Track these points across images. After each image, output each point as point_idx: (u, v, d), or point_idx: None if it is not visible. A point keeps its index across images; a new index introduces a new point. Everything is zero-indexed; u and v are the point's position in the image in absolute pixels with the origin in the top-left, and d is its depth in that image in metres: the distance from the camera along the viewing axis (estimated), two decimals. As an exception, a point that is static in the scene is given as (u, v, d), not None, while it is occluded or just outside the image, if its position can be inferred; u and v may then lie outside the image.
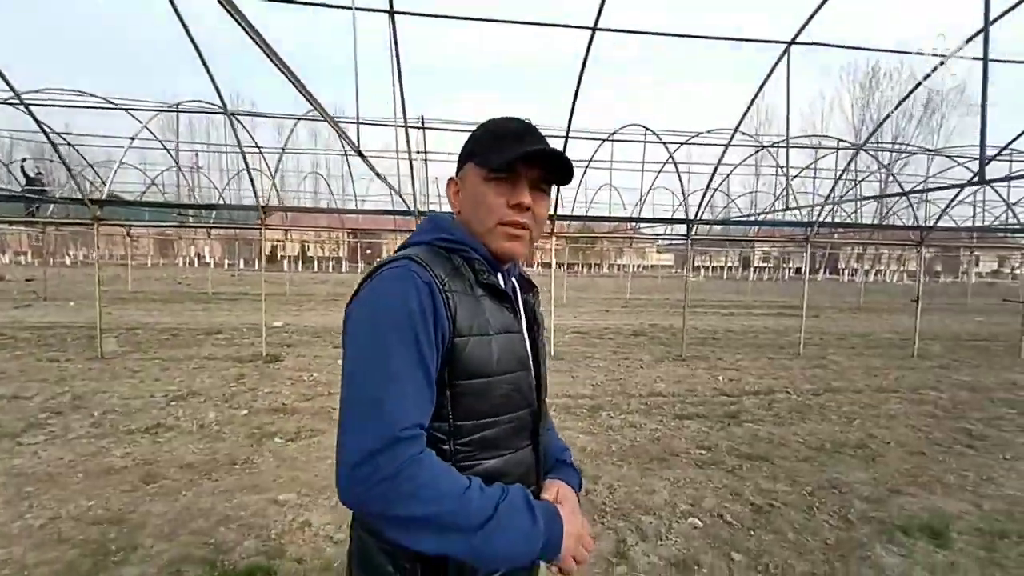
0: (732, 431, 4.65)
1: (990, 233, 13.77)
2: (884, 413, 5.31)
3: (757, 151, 12.27)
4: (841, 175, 8.69)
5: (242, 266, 35.30)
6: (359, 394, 0.74)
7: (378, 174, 4.85)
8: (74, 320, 10.30)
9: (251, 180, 7.02)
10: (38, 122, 6.45)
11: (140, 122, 9.54)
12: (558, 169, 0.89)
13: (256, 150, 9.74)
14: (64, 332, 8.86)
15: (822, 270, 47.66)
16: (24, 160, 14.90)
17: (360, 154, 4.06)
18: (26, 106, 6.05)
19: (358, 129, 3.92)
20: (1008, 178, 3.88)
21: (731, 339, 10.34)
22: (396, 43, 5.38)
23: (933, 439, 4.55)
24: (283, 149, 9.14)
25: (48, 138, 6.61)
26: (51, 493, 3.08)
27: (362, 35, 3.55)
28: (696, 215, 7.83)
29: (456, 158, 0.96)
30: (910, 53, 5.80)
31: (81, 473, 3.37)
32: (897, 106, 6.91)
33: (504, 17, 5.35)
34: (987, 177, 3.69)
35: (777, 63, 5.92)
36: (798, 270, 52.34)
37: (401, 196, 7.48)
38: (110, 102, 9.83)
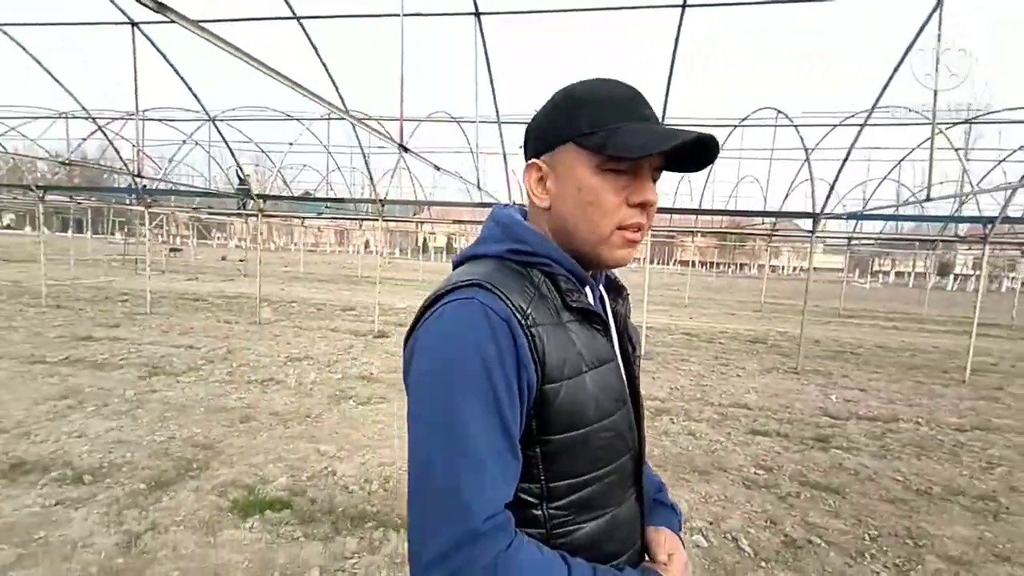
0: (811, 455, 4.04)
1: None
2: (1053, 465, 4.08)
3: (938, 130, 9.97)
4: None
5: (397, 255, 39.78)
6: (428, 480, 0.58)
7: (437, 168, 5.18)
8: (256, 293, 12.81)
9: (371, 178, 7.96)
10: (249, 137, 8.18)
11: (311, 132, 11.42)
12: (696, 159, 0.69)
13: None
14: (245, 301, 11.10)
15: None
16: (233, 167, 18.96)
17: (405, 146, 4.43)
18: (214, 122, 7.73)
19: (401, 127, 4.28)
20: None
21: (876, 356, 8.73)
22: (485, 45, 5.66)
23: (1114, 507, 3.39)
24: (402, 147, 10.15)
25: (259, 148, 8.34)
26: (179, 420, 4.03)
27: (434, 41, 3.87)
28: (822, 208, 6.77)
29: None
30: None
31: (203, 408, 4.33)
32: None
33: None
34: None
35: (931, 13, 4.81)
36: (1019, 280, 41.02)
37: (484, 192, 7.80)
38: (288, 115, 11.93)
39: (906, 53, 5.26)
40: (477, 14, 5.37)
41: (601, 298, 0.79)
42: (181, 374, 5.30)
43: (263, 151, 14.35)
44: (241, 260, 24.60)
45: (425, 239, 48.30)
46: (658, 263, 46.47)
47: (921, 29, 4.89)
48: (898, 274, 47.09)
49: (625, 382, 0.74)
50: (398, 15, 5.40)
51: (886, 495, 3.42)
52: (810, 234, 7.01)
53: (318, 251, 41.46)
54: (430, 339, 0.62)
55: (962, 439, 4.63)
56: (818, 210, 6.92)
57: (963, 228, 13.52)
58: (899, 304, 20.13)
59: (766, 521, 3.00)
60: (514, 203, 0.82)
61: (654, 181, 0.70)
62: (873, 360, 8.33)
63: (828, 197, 6.82)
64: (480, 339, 0.59)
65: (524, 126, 0.75)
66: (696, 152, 0.68)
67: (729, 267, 48.66)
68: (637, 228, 0.69)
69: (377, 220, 8.16)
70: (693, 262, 51.83)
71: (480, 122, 6.19)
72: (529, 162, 0.72)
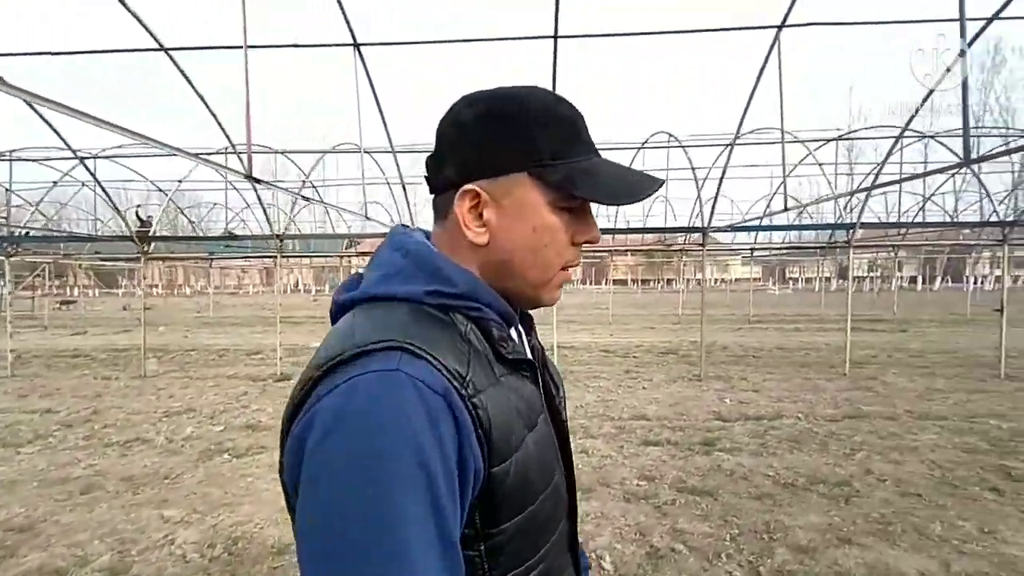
0: (694, 460, 4.13)
1: None
2: (906, 446, 4.43)
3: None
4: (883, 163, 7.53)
5: (327, 291, 38.26)
6: None
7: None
8: (153, 343, 11.74)
9: (264, 212, 7.60)
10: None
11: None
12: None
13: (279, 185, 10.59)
14: (134, 354, 10.10)
15: (940, 278, 41.59)
16: (138, 206, 17.60)
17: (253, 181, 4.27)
18: (83, 162, 7.11)
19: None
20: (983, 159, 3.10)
21: (773, 357, 9.30)
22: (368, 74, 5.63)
23: (950, 479, 3.70)
24: (302, 183, 9.83)
25: (156, 186, 7.69)
26: (1, 500, 3.49)
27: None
28: (708, 222, 7.21)
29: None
30: (944, 20, 4.96)
31: (37, 482, 3.79)
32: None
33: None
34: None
35: (771, 50, 5.35)
36: (912, 279, 46.06)
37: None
38: (180, 150, 11.27)
39: (756, 82, 5.80)
40: (356, 45, 5.35)
41: (519, 335, 0.67)
42: (24, 444, 4.65)
43: (159, 188, 13.45)
44: (147, 308, 22.64)
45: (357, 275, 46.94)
46: (590, 283, 47.84)
47: (765, 62, 5.42)
48: (807, 280, 51.21)
49: (553, 429, 0.62)
50: (281, 45, 5.25)
51: (755, 492, 3.54)
52: (701, 247, 7.41)
53: (239, 293, 39.05)
54: (339, 428, 0.44)
55: (834, 429, 4.94)
56: (705, 224, 7.36)
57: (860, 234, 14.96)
58: (803, 307, 21.79)
59: (636, 534, 2.98)
60: (410, 226, 0.65)
61: None
62: (771, 361, 8.86)
63: (712, 212, 7.28)
64: (414, 428, 0.44)
65: (421, 155, 0.60)
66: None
67: (658, 283, 50.88)
68: (574, 267, 0.62)
69: (276, 256, 7.76)
70: (625, 280, 54.01)
71: (366, 152, 6.09)
72: (465, 188, 0.56)
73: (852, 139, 9.76)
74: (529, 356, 0.60)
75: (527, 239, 0.57)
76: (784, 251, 19.76)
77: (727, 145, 6.59)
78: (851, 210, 16.48)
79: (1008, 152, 2.93)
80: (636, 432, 4.90)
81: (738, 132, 6.13)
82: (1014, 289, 33.68)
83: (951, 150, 7.86)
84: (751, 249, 15.29)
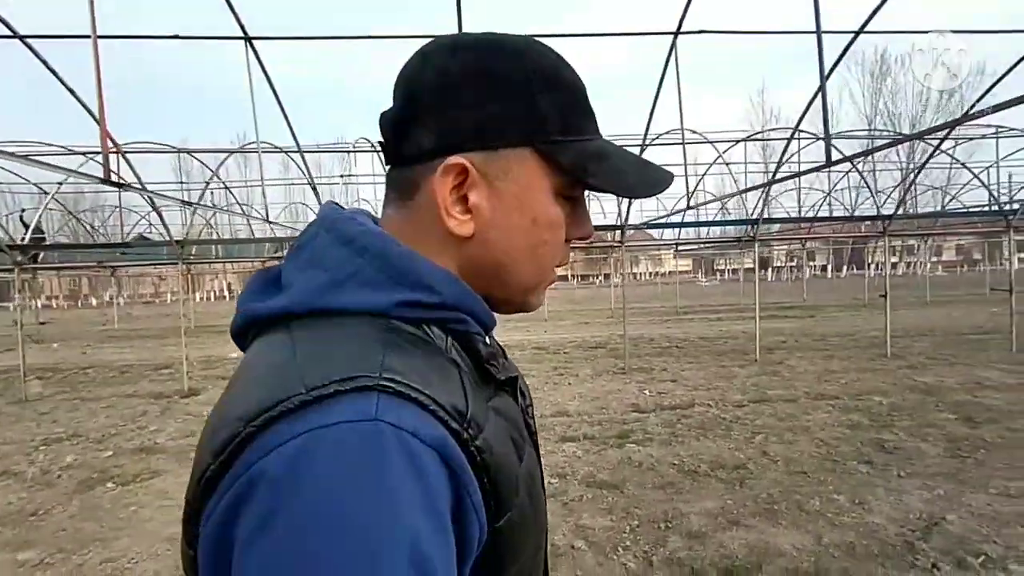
0: (606, 454, 4.22)
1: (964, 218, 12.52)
2: (800, 426, 4.76)
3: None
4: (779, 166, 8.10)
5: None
6: None
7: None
8: (44, 362, 10.58)
9: (161, 218, 7.01)
10: None
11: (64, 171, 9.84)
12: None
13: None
14: (16, 376, 9.05)
15: (846, 266, 45.55)
16: (23, 211, 15.78)
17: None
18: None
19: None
20: (856, 156, 3.41)
21: (695, 347, 9.76)
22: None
23: (832, 455, 4.01)
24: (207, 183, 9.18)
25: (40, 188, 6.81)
26: None
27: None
28: (624, 220, 7.44)
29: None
30: (806, 32, 5.32)
31: None
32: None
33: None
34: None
35: (669, 56, 5.56)
36: (824, 267, 50.27)
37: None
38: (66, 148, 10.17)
39: (659, 86, 6.01)
40: (247, 39, 5.02)
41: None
42: None
43: (43, 191, 12.11)
44: (42, 323, 20.42)
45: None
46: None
47: (665, 66, 5.62)
48: (733, 271, 54.54)
49: (533, 446, 0.52)
50: (163, 36, 4.85)
51: (659, 482, 3.66)
52: (619, 244, 7.63)
53: (156, 302, 36.06)
54: (295, 513, 0.30)
55: (739, 414, 5.23)
56: (622, 222, 7.58)
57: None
58: (727, 297, 23.15)
59: (540, 533, 2.99)
60: (341, 206, 0.49)
61: None
62: (692, 351, 9.29)
63: (629, 210, 7.52)
64: (403, 505, 0.31)
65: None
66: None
67: (596, 278, 52.33)
68: (565, 264, 0.51)
69: (177, 263, 7.18)
70: (564, 276, 55.16)
71: (263, 152, 5.77)
72: (451, 160, 0.42)
73: (755, 140, 10.46)
74: (514, 373, 0.49)
75: (525, 233, 0.45)
76: (704, 245, 20.88)
77: (639, 146, 6.81)
78: (768, 206, 17.64)
79: (865, 153, 3.21)
80: (555, 429, 4.95)
81: (646, 133, 6.35)
82: (906, 275, 37.59)
83: (839, 150, 8.56)
84: (675, 244, 15.99)
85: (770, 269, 47.13)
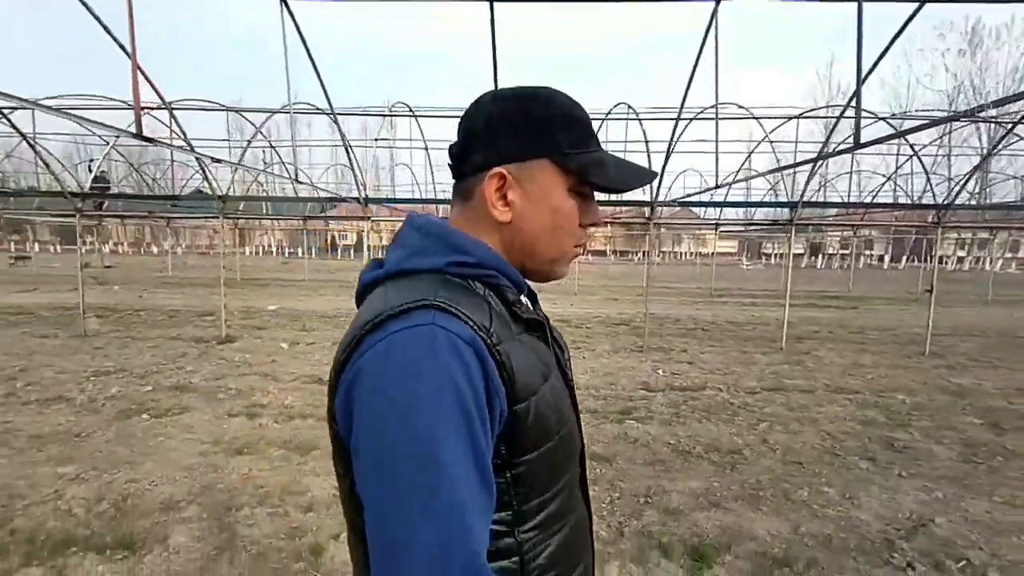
0: (603, 428, 4.28)
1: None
2: (809, 417, 4.65)
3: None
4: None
5: (300, 255, 37.65)
6: (407, 546, 0.50)
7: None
8: (105, 302, 11.50)
9: (204, 172, 7.37)
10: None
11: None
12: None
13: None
14: (78, 314, 9.90)
15: (906, 257, 42.68)
16: (92, 160, 16.85)
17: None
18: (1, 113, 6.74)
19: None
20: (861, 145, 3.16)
21: (721, 330, 9.54)
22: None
23: (835, 448, 3.92)
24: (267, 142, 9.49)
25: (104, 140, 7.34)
26: (-102, 453, 3.46)
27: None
28: (654, 197, 7.24)
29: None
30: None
31: (-60, 437, 3.76)
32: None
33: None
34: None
35: (709, 26, 5.25)
36: (880, 258, 47.28)
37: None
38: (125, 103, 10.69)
39: (698, 56, 5.70)
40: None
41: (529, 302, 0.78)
42: (-61, 400, 4.58)
43: (105, 142, 12.85)
44: (107, 267, 22.05)
45: (333, 237, 46.22)
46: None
47: (705, 36, 5.32)
48: (781, 255, 52.23)
49: (563, 383, 0.72)
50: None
51: (650, 459, 3.70)
52: (648, 221, 7.46)
53: (210, 253, 38.14)
54: (386, 375, 0.53)
55: (749, 401, 5.15)
56: (652, 198, 7.38)
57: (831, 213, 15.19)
58: (769, 282, 22.28)
59: (522, 496, 3.11)
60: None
61: None
62: (717, 334, 9.10)
63: (659, 186, 7.29)
64: (450, 370, 0.52)
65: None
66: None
67: (635, 255, 51.29)
68: (584, 244, 0.73)
69: (218, 218, 7.57)
70: (605, 251, 54.31)
71: (307, 113, 5.90)
72: (495, 170, 0.65)
73: (808, 117, 9.79)
74: (539, 316, 0.70)
75: (546, 219, 0.66)
76: (749, 227, 19.98)
77: (675, 119, 6.54)
78: (823, 188, 16.60)
79: (889, 138, 2.99)
80: (560, 400, 5.04)
81: (682, 107, 6.09)
82: (973, 270, 34.86)
83: (890, 124, 7.93)
84: (716, 224, 15.42)
85: (821, 256, 44.71)
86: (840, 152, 4.02)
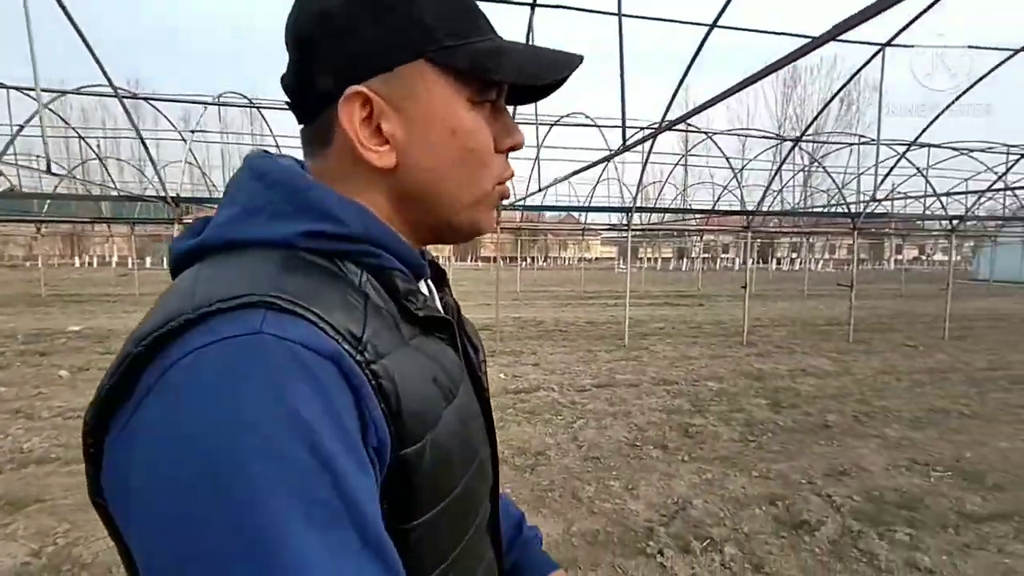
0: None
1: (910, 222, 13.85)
2: (624, 411, 4.84)
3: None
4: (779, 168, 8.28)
5: (148, 265, 32.93)
6: None
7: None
8: None
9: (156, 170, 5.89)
10: None
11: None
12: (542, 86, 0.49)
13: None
14: None
15: (756, 259, 49.02)
16: None
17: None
18: None
19: None
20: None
21: (578, 330, 9.93)
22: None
23: (637, 440, 4.09)
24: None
25: None
26: None
27: None
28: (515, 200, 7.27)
29: None
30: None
31: None
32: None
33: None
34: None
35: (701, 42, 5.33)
36: (745, 260, 53.84)
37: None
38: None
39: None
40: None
41: (430, 291, 0.55)
42: None
43: None
44: None
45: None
46: (458, 259, 48.03)
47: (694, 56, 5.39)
48: (664, 259, 56.97)
49: (475, 398, 0.52)
50: None
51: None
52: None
53: (26, 266, 31.73)
54: (184, 425, 0.31)
55: (578, 399, 5.26)
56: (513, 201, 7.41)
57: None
58: (638, 285, 24.07)
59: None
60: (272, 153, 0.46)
61: None
62: (573, 334, 9.42)
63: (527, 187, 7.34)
64: (294, 404, 0.31)
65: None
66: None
67: (523, 260, 52.86)
68: (509, 178, 0.51)
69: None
70: (494, 257, 55.10)
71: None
72: (350, 91, 0.42)
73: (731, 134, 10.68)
74: (443, 314, 0.49)
75: (448, 147, 0.45)
76: (599, 231, 21.49)
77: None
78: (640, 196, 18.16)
79: (644, 140, 3.17)
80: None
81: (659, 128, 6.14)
82: (793, 269, 41.03)
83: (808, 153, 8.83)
84: (581, 231, 16.20)
85: (685, 259, 49.74)
86: (600, 161, 4.21)
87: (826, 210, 10.03)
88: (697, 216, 11.79)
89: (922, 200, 11.32)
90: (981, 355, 7.73)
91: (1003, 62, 6.33)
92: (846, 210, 8.70)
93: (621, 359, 7.22)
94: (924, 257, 54.79)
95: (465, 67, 0.44)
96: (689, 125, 9.74)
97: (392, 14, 0.43)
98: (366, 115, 0.44)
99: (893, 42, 5.93)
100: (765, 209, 7.86)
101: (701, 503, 2.97)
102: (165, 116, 9.96)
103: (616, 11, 4.24)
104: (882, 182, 8.05)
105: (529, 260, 51.90)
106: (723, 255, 54.08)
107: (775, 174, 8.03)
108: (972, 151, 11.36)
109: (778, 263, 47.39)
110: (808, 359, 7.29)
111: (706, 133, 9.49)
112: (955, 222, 8.90)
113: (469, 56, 0.44)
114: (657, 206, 11.18)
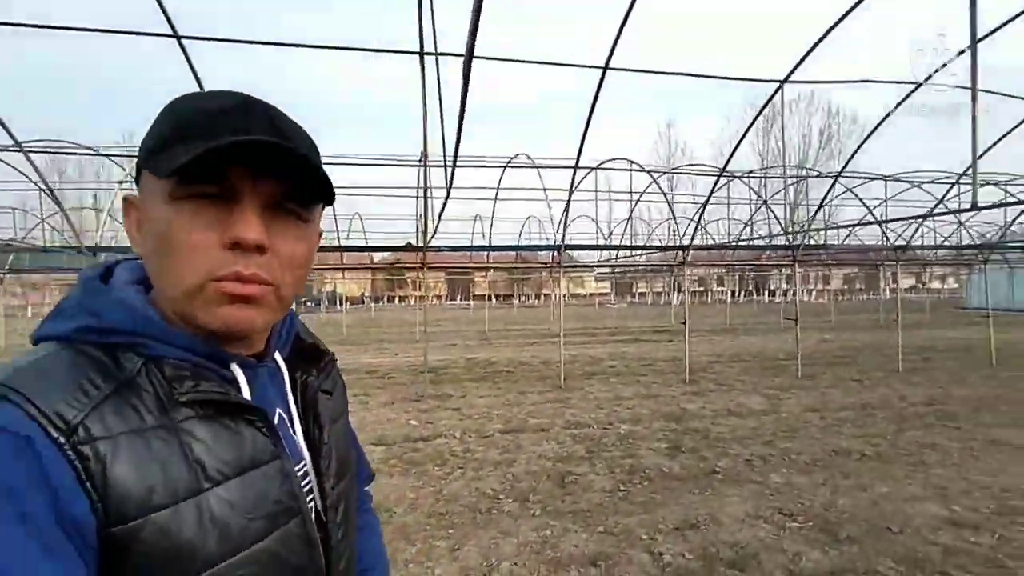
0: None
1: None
2: (510, 459, 4.65)
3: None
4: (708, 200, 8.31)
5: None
6: None
7: None
8: None
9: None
10: None
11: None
12: (303, 176, 0.50)
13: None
14: None
15: (743, 293, 48.93)
16: None
17: None
18: None
19: None
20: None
21: (527, 370, 9.74)
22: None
23: (499, 494, 3.89)
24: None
25: None
26: None
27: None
28: (426, 241, 7.28)
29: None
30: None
31: None
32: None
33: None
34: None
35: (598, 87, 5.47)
36: (732, 293, 53.59)
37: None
38: None
39: (589, 116, 5.93)
40: (177, 37, 4.46)
41: (279, 376, 0.60)
42: None
43: None
44: None
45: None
46: (448, 299, 48.11)
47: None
48: (656, 294, 56.88)
49: (296, 485, 0.53)
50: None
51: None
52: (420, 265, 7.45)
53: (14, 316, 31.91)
54: None
55: (474, 447, 5.07)
56: (423, 242, 7.42)
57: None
58: (625, 320, 23.89)
59: None
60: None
61: (291, 216, 0.52)
62: (518, 375, 9.24)
63: (435, 230, 7.37)
64: None
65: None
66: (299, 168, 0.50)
67: (518, 298, 52.78)
68: (244, 280, 0.49)
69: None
70: (488, 295, 55.02)
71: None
72: (123, 198, 0.53)
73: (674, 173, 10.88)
74: (223, 394, 0.50)
75: (153, 239, 0.49)
76: (622, 269, 21.50)
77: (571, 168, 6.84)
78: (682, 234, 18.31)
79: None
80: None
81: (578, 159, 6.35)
82: (786, 300, 40.70)
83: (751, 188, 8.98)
84: (485, 268, 16.21)
85: (676, 293, 49.63)
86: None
87: (768, 243, 10.00)
88: (639, 252, 11.79)
89: (883, 227, 11.31)
90: (925, 388, 7.50)
91: (908, 96, 6.44)
92: (786, 242, 8.66)
93: (548, 402, 7.03)
94: (921, 285, 54.49)
95: (151, 167, 0.49)
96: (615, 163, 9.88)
97: (146, 145, 0.50)
98: (136, 219, 0.52)
99: (790, 79, 6.04)
100: (698, 244, 7.85)
101: (510, 566, 2.77)
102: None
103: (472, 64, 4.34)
104: (816, 213, 8.04)
105: (521, 298, 51.95)
106: (718, 287, 53.98)
107: (703, 208, 8.03)
108: (922, 182, 11.44)
109: (771, 294, 47.16)
110: (742, 397, 7.08)
111: (632, 169, 9.59)
112: (897, 251, 8.83)
113: (154, 161, 0.49)
114: (583, 244, 11.18)
